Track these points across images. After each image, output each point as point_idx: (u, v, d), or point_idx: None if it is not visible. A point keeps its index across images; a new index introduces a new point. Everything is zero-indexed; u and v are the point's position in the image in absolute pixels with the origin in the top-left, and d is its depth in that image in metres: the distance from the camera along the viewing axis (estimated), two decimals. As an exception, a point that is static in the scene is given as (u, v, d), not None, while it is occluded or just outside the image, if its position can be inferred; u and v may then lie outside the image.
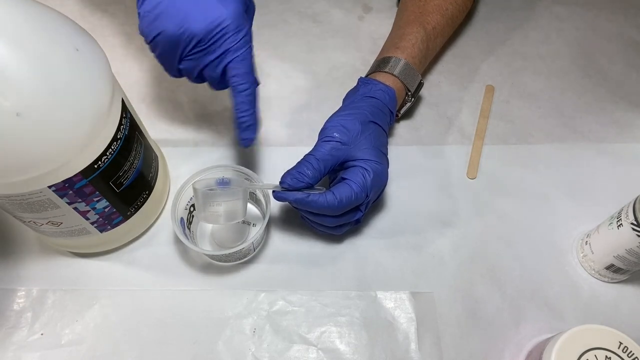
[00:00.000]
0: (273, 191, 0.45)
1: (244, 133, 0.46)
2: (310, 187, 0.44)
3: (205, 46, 0.43)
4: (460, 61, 0.65)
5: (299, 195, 0.44)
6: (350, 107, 0.49)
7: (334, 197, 0.43)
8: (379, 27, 0.68)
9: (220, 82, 0.47)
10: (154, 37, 0.44)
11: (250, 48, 0.45)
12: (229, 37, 0.43)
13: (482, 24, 0.69)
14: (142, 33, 0.45)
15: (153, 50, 0.46)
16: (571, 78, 0.64)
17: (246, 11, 0.46)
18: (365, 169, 0.45)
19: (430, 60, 0.61)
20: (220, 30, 0.43)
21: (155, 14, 0.43)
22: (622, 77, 0.64)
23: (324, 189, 0.45)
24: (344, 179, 0.45)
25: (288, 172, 0.45)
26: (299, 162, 0.45)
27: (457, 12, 0.61)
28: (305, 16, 0.70)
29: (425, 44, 0.57)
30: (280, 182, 0.44)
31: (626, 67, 0.65)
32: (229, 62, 0.44)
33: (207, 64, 0.45)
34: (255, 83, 0.46)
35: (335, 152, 0.45)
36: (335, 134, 0.46)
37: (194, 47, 0.44)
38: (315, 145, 0.47)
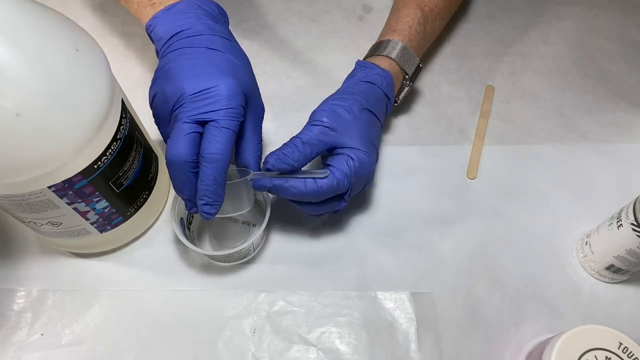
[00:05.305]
0: (252, 180, 0.44)
1: (203, 208, 0.40)
2: (295, 170, 0.43)
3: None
4: (460, 61, 0.65)
5: (277, 181, 0.43)
6: (345, 92, 0.48)
7: (314, 184, 0.42)
8: (379, 27, 0.67)
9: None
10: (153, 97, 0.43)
11: (236, 126, 0.40)
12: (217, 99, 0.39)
13: (482, 24, 0.69)
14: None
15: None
16: (571, 78, 0.64)
17: (247, 105, 0.43)
18: (351, 157, 0.44)
19: (429, 43, 0.60)
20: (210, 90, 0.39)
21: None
22: (622, 77, 0.64)
23: (328, 172, 0.44)
24: (328, 165, 0.44)
25: (272, 153, 0.43)
26: (284, 144, 0.44)
27: None
28: (305, 16, 0.70)
29: (423, 26, 0.56)
30: (264, 163, 0.43)
31: (626, 67, 0.65)
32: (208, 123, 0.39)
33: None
34: (227, 164, 0.40)
35: (322, 137, 0.44)
36: (324, 119, 0.45)
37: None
38: (302, 128, 0.46)
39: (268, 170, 0.43)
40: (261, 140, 0.46)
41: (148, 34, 0.46)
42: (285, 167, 0.43)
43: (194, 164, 0.39)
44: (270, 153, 0.44)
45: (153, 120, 0.45)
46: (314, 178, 0.43)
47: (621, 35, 0.68)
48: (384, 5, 0.70)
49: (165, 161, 0.40)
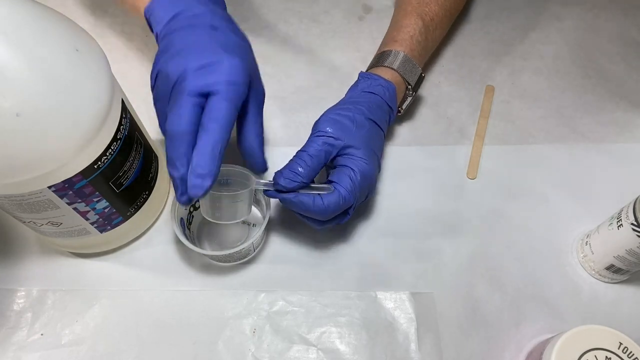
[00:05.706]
0: (264, 190, 0.44)
1: (195, 181, 0.37)
2: (305, 186, 0.44)
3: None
4: (460, 61, 0.65)
5: (287, 195, 0.43)
6: (348, 102, 0.48)
7: (321, 203, 0.43)
8: (379, 27, 0.68)
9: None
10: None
11: (239, 100, 0.39)
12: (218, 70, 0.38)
13: (482, 24, 0.69)
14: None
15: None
16: (571, 78, 0.64)
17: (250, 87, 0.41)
18: (352, 169, 0.44)
19: (431, 52, 0.60)
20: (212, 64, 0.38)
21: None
22: (622, 77, 0.64)
23: (332, 187, 0.44)
24: (331, 182, 0.45)
25: (280, 173, 0.43)
26: (291, 160, 0.44)
27: (454, 3, 0.61)
28: (305, 16, 0.70)
29: (424, 35, 0.56)
30: (274, 183, 0.44)
31: (626, 67, 0.65)
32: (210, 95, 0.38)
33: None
34: (227, 138, 0.38)
35: (327, 147, 0.45)
36: (328, 129, 0.45)
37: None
38: (307, 141, 0.46)
39: (279, 191, 0.44)
40: (262, 123, 0.44)
41: (147, 19, 0.45)
42: (295, 186, 0.43)
43: (194, 136, 0.38)
44: (278, 172, 0.44)
45: (152, 102, 0.43)
46: (319, 194, 0.43)
47: (621, 35, 0.68)
48: (384, 5, 0.70)
49: (166, 133, 0.39)
